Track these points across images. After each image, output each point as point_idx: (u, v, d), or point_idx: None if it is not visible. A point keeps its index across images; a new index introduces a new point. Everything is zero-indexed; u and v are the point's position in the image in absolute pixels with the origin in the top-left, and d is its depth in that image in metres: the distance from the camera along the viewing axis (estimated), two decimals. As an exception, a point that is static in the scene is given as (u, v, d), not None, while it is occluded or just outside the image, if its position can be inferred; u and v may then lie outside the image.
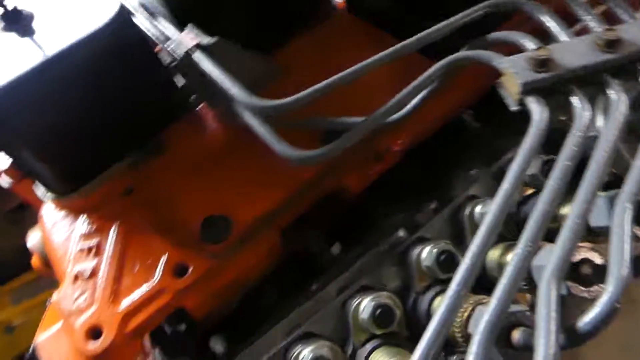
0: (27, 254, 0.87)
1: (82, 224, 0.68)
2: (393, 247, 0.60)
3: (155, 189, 0.67)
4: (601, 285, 0.43)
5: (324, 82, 0.53)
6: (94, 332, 0.59)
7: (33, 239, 0.88)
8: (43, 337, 0.71)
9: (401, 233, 0.64)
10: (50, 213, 0.71)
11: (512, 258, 0.38)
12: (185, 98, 0.72)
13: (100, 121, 0.66)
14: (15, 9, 0.60)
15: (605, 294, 0.36)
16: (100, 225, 0.67)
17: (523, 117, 0.50)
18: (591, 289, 0.43)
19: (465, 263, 0.39)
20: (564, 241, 0.38)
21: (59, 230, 0.69)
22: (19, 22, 0.61)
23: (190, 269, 0.60)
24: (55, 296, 0.64)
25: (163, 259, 0.61)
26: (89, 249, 0.66)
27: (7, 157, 0.72)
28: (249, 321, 0.67)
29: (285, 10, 0.73)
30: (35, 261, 0.83)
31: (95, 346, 0.58)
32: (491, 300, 0.37)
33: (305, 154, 0.53)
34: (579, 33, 0.53)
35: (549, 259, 0.38)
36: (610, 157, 0.43)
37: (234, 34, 0.64)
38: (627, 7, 0.55)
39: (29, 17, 0.62)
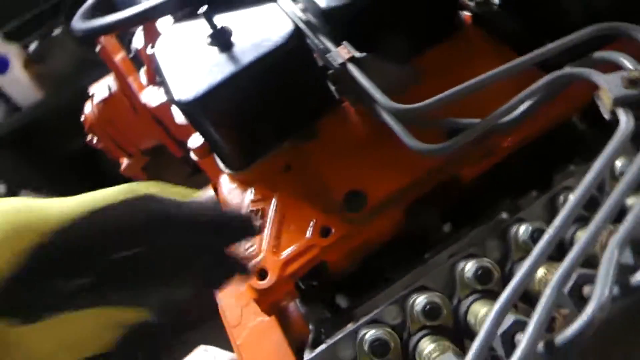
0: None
1: (251, 193, 0.90)
2: (497, 225, 0.74)
3: (308, 166, 0.86)
4: None
5: (449, 91, 0.68)
6: (262, 274, 0.79)
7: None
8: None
9: (504, 215, 0.78)
10: (227, 183, 0.94)
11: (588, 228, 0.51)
12: (334, 97, 0.91)
13: (270, 114, 0.87)
14: (222, 28, 0.82)
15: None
16: (265, 194, 0.87)
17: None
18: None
19: (548, 233, 0.53)
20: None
21: (233, 197, 0.91)
22: (222, 39, 0.83)
23: (333, 231, 0.79)
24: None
25: (312, 222, 0.80)
26: (256, 212, 0.86)
27: (201, 138, 0.97)
28: (370, 281, 0.85)
29: (425, 27, 0.88)
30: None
31: (262, 284, 0.79)
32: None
33: (430, 147, 0.68)
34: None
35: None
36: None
37: (381, 48, 0.81)
38: None
39: (229, 34, 0.83)
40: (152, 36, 1.11)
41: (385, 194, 0.77)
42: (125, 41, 1.45)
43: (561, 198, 0.70)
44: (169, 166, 1.40)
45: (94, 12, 1.22)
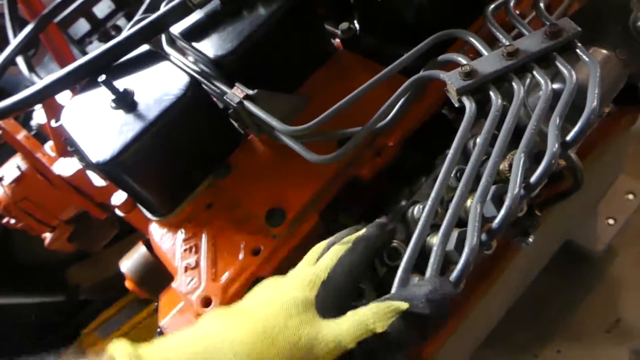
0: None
1: (181, 233, 0.97)
2: (397, 211, 0.87)
3: (228, 198, 0.96)
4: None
5: (332, 108, 0.81)
6: (206, 302, 0.87)
7: (126, 264, 1.19)
8: (167, 319, 1.01)
9: (403, 202, 0.91)
10: (157, 230, 1.01)
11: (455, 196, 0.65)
12: (239, 132, 1.01)
13: (184, 159, 0.96)
14: (125, 90, 0.90)
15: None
16: (194, 231, 0.96)
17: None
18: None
19: (428, 204, 0.66)
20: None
21: (166, 240, 0.98)
22: (127, 101, 0.91)
23: (262, 248, 0.88)
24: (174, 285, 0.93)
25: (242, 245, 0.90)
26: (190, 248, 0.94)
27: (123, 195, 1.04)
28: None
29: (301, 61, 1.01)
30: (129, 283, 1.12)
31: (208, 310, 0.86)
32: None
33: (325, 157, 0.80)
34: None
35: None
36: (514, 124, 0.69)
37: (269, 84, 0.92)
38: (528, 26, 0.81)
39: (132, 95, 0.91)
40: (54, 110, 1.16)
41: (300, 204, 0.88)
42: (19, 120, 1.47)
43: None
44: (95, 231, 1.43)
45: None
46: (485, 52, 0.79)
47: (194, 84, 0.90)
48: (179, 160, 0.95)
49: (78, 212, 1.31)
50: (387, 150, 0.93)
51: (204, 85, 0.93)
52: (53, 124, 1.14)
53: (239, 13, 0.97)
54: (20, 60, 1.51)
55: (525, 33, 0.80)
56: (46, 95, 1.00)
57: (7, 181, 1.16)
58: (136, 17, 1.14)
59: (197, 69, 0.99)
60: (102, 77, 0.89)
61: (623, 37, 0.84)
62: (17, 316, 2.27)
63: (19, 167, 1.18)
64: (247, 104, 0.88)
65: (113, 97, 0.91)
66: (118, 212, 1.06)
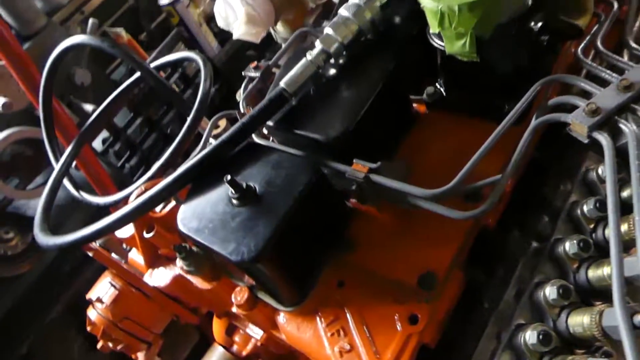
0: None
1: (320, 318, 0.96)
2: (537, 252, 0.90)
3: (360, 272, 0.96)
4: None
5: (468, 165, 0.84)
6: (379, 382, 0.85)
7: None
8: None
9: (534, 244, 0.94)
10: (290, 321, 0.99)
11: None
12: (349, 207, 1.03)
13: (311, 243, 0.97)
14: (248, 186, 0.91)
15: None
16: (335, 313, 0.94)
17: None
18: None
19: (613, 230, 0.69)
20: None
21: (305, 330, 0.96)
22: (251, 196, 0.92)
23: (419, 316, 0.88)
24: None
25: (396, 316, 0.89)
26: (337, 332, 0.93)
27: (247, 293, 1.02)
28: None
29: (399, 128, 1.06)
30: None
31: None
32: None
33: (473, 213, 0.83)
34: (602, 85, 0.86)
35: None
36: None
37: (370, 155, 0.96)
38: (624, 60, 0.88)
39: (254, 190, 0.93)
40: (144, 222, 1.15)
41: (447, 264, 0.89)
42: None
43: (577, 211, 0.88)
44: (181, 339, 1.38)
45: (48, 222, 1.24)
46: (596, 91, 0.85)
47: (317, 169, 0.93)
48: (308, 244, 0.96)
49: (168, 324, 1.27)
50: (505, 196, 0.97)
51: (322, 168, 0.96)
52: (145, 234, 1.13)
53: (330, 97, 1.02)
54: (66, 182, 1.52)
55: (626, 68, 0.88)
56: (151, 206, 1.00)
57: (105, 302, 1.12)
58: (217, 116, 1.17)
59: (302, 154, 1.02)
60: (228, 177, 0.90)
61: None
62: None
63: (114, 286, 1.15)
64: (373, 177, 0.90)
65: (235, 195, 0.92)
66: (238, 310, 1.03)
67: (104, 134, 2.35)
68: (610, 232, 0.71)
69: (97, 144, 2.35)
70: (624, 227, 0.80)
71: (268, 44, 1.92)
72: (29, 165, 2.15)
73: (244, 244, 0.87)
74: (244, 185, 0.92)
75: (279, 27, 1.64)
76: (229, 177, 0.90)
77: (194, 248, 1.07)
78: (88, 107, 2.13)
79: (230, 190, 0.92)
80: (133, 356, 1.28)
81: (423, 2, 0.89)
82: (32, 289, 2.40)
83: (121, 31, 2.35)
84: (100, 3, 2.40)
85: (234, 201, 0.93)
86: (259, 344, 1.21)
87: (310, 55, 1.01)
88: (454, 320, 0.95)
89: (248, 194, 0.92)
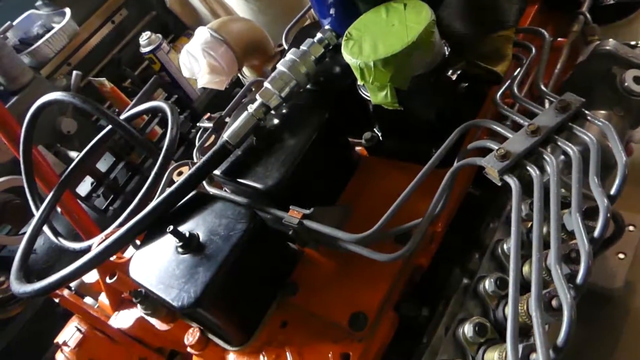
0: None
1: (264, 356, 1.00)
2: (465, 289, 0.94)
3: (302, 313, 1.01)
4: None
5: (391, 209, 0.89)
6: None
7: None
8: None
9: (465, 280, 0.99)
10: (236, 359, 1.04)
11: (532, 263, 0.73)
12: (295, 250, 1.08)
13: (256, 285, 1.02)
14: (191, 235, 0.97)
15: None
16: (277, 353, 0.99)
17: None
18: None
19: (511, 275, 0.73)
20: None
21: (249, 368, 1.01)
22: (194, 244, 0.98)
23: (351, 354, 0.92)
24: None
25: (330, 354, 0.94)
26: (277, 370, 0.98)
27: (198, 334, 1.07)
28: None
29: (340, 173, 1.12)
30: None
31: None
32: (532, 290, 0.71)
33: (396, 255, 0.88)
34: (514, 128, 0.92)
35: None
36: (559, 188, 0.79)
37: (312, 201, 1.01)
38: (535, 104, 0.94)
39: (197, 238, 0.99)
40: (106, 268, 1.21)
41: (377, 304, 0.94)
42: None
43: (499, 249, 0.93)
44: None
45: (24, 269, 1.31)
46: (509, 135, 0.91)
47: (254, 216, 0.99)
48: (251, 288, 1.01)
49: (134, 364, 1.32)
50: (437, 236, 1.02)
51: (260, 214, 1.01)
52: (108, 280, 1.19)
53: (272, 147, 1.08)
54: (46, 229, 1.59)
55: (536, 111, 0.93)
56: (108, 255, 1.06)
57: (71, 346, 1.18)
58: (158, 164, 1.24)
59: (245, 201, 1.08)
60: (170, 228, 0.96)
61: (615, 98, 0.98)
62: None
63: (79, 330, 1.20)
64: (306, 222, 0.96)
65: (179, 243, 0.98)
66: (191, 350, 1.08)
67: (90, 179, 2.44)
68: (510, 273, 0.75)
69: (85, 189, 2.44)
70: (526, 268, 0.85)
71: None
72: (19, 213, 2.25)
73: (185, 290, 0.92)
74: (187, 234, 0.98)
75: (246, 71, 1.73)
76: (171, 227, 0.96)
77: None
78: (74, 154, 2.23)
79: (175, 239, 0.98)
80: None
81: (345, 58, 0.96)
82: (26, 331, 2.46)
83: (104, 80, 2.47)
84: (86, 55, 2.53)
85: (179, 249, 0.99)
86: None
87: (251, 109, 1.08)
88: (396, 357, 0.99)
89: (191, 243, 0.98)
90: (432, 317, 0.99)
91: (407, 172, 1.02)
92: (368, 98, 1.00)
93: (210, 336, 1.07)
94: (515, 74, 1.02)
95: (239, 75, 1.79)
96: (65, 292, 1.33)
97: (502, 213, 1.01)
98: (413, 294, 1.05)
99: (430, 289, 1.05)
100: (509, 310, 0.71)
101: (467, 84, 0.99)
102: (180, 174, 1.43)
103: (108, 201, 2.39)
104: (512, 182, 0.84)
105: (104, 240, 1.20)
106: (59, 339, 1.25)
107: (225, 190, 1.20)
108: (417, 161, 1.06)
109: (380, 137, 1.13)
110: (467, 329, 0.85)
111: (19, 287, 1.16)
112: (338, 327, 0.95)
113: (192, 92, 2.89)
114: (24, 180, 1.65)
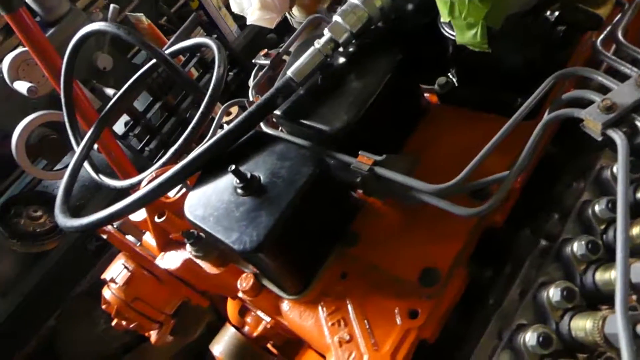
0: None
1: (322, 308, 0.96)
2: (544, 251, 0.87)
3: (362, 265, 0.95)
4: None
5: (475, 160, 0.82)
6: (376, 374, 0.85)
7: (218, 348, 1.20)
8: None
9: (543, 242, 0.92)
10: (293, 309, 0.99)
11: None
12: (356, 200, 1.02)
13: (315, 233, 0.97)
14: (252, 176, 0.91)
15: None
16: (336, 304, 0.95)
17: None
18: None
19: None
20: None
21: (307, 318, 0.97)
22: (255, 187, 0.92)
23: (420, 311, 0.87)
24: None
25: (396, 310, 0.89)
26: (338, 322, 0.93)
27: (252, 279, 1.03)
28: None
29: (408, 120, 1.04)
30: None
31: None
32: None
33: (479, 209, 0.81)
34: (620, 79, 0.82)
35: None
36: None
37: (377, 147, 0.94)
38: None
39: (259, 180, 0.93)
40: (155, 207, 1.17)
41: (451, 260, 0.88)
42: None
43: (589, 210, 0.85)
44: (193, 319, 1.41)
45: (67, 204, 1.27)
46: (613, 86, 0.81)
47: (320, 160, 0.92)
48: (311, 235, 0.96)
49: (179, 305, 1.30)
50: (514, 194, 0.94)
51: (327, 159, 0.95)
52: (157, 219, 1.15)
53: (338, 87, 1.00)
54: (87, 165, 1.55)
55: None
56: (161, 193, 1.02)
57: (119, 283, 1.15)
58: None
59: (307, 144, 1.02)
60: (232, 167, 0.90)
61: None
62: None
63: (126, 267, 1.17)
64: (378, 169, 0.89)
65: (240, 184, 0.92)
66: (244, 296, 1.05)
67: (126, 117, 2.39)
68: (617, 235, 0.68)
69: (120, 128, 2.39)
70: (636, 230, 0.77)
71: (289, 28, 1.91)
72: (55, 147, 2.22)
73: (247, 233, 0.87)
74: (249, 175, 0.92)
75: (295, 11, 1.63)
76: (233, 166, 0.90)
77: (202, 234, 1.08)
78: (110, 91, 2.17)
79: (235, 179, 0.92)
80: (146, 334, 1.31)
81: (435, -10, 0.86)
82: (59, 265, 2.49)
83: (141, 16, 2.37)
84: (123, -12, 2.43)
85: (239, 191, 0.93)
86: (268, 326, 1.23)
87: (318, 44, 0.99)
88: (457, 315, 0.94)
89: (252, 184, 0.92)
90: (497, 279, 0.94)
91: (486, 123, 0.95)
92: (452, 37, 0.91)
93: (265, 282, 1.03)
94: (619, 18, 0.92)
95: (287, 14, 1.68)
96: (110, 229, 1.31)
97: (590, 173, 0.92)
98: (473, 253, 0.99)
99: (492, 249, 0.99)
100: (617, 273, 0.64)
101: (564, 28, 0.89)
102: (229, 114, 1.36)
103: (143, 142, 2.35)
104: (618, 137, 0.75)
105: (154, 178, 1.16)
106: (106, 275, 1.23)
107: (281, 132, 1.14)
108: (496, 111, 0.99)
109: (456, 83, 1.04)
110: (553, 293, 0.79)
111: (65, 220, 1.12)
112: (403, 282, 0.89)
113: (229, 33, 2.79)
114: (65, 114, 1.60)
